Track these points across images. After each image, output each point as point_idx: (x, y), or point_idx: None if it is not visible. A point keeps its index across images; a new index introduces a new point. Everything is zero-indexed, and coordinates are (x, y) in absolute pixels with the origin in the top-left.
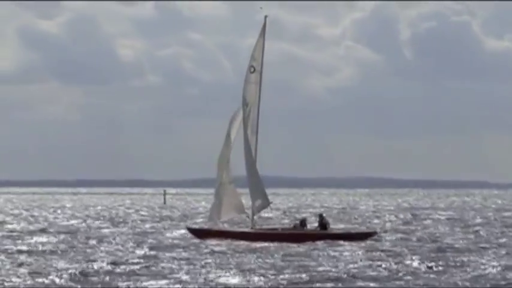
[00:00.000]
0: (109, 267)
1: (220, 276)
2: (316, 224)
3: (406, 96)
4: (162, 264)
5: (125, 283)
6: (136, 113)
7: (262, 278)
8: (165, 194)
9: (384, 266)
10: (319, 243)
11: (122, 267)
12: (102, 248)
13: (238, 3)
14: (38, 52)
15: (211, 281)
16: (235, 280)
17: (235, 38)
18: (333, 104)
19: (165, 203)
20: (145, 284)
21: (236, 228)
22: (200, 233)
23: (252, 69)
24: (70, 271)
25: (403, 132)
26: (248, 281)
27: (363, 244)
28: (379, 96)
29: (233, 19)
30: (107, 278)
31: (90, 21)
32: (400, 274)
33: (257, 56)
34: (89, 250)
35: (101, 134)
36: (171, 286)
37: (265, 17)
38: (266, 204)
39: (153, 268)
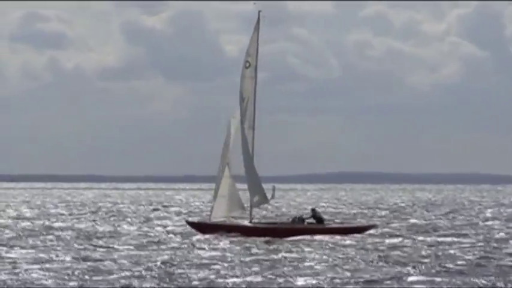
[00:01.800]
0: None
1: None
2: (311, 219)
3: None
4: None
5: None
6: None
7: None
8: (274, 189)
9: None
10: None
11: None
12: None
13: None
14: (143, 48)
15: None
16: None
17: (341, 34)
18: (437, 100)
19: (273, 197)
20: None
21: (235, 222)
22: (199, 227)
23: (248, 65)
24: None
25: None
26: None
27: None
28: (483, 93)
29: (338, 15)
30: None
31: (195, 17)
32: None
33: (252, 52)
34: None
35: (205, 131)
36: None
37: (259, 12)
38: (264, 201)
39: None
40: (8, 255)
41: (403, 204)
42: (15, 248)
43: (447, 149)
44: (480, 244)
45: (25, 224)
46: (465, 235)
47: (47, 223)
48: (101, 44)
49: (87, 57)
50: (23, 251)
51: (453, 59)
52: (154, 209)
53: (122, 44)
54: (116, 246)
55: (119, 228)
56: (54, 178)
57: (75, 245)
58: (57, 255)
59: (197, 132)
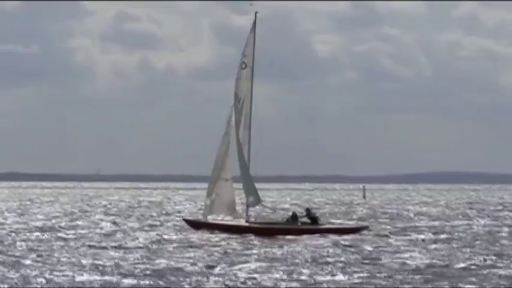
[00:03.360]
0: None
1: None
2: (305, 219)
3: None
4: None
5: None
6: (334, 109)
7: None
8: (364, 189)
9: None
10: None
11: None
12: None
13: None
14: (233, 48)
15: None
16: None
17: (432, 33)
18: None
19: (364, 198)
20: None
21: (231, 221)
22: (196, 225)
23: (244, 66)
24: None
25: None
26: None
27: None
28: None
29: (429, 15)
30: None
31: (285, 16)
32: None
33: (248, 53)
34: None
35: (298, 131)
36: None
37: (256, 13)
38: (258, 201)
39: None
40: None
41: None
42: None
43: None
44: None
45: None
46: None
47: None
48: (191, 43)
49: (178, 57)
50: None
51: None
52: None
53: (213, 43)
54: None
55: None
56: (146, 178)
57: None
58: None
59: (288, 131)
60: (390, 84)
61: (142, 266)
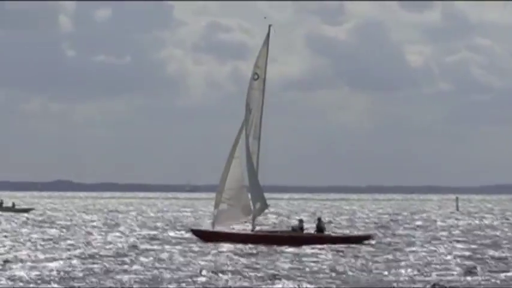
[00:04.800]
0: None
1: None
2: (314, 227)
3: None
4: None
5: None
6: (426, 120)
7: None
8: (457, 200)
9: None
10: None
11: None
12: None
13: None
14: (327, 58)
15: None
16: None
17: None
18: None
19: (457, 209)
20: None
21: (238, 231)
22: (204, 235)
23: (256, 77)
24: None
25: None
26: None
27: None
28: None
29: None
30: None
31: (377, 27)
32: None
33: (260, 64)
34: None
35: (391, 141)
36: None
37: (270, 26)
38: (264, 207)
39: None
40: None
41: None
42: None
43: None
44: None
45: None
46: None
47: None
48: (283, 53)
49: (270, 67)
50: None
51: None
52: None
53: (306, 54)
54: None
55: None
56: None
57: None
58: None
59: (382, 142)
60: (481, 95)
61: None
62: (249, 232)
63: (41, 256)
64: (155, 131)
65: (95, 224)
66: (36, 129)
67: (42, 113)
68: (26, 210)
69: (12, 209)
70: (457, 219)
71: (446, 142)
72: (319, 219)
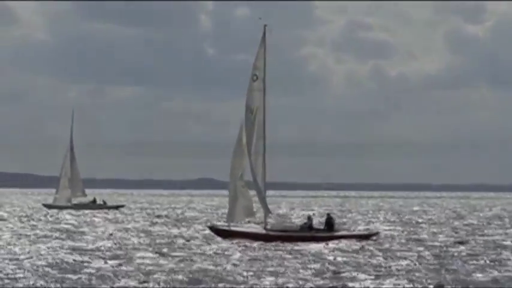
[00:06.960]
0: None
1: None
2: (323, 224)
3: None
4: None
5: None
6: None
7: None
8: None
9: None
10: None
11: None
12: None
13: None
14: (466, 56)
15: None
16: None
17: None
18: None
19: None
20: None
21: (252, 229)
22: (222, 233)
23: (255, 78)
24: None
25: None
26: None
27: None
28: None
29: None
30: None
31: None
32: None
33: (259, 65)
34: None
35: None
36: None
37: (265, 26)
38: (268, 212)
39: None
40: None
41: None
42: None
43: None
44: None
45: None
46: None
47: None
48: (424, 52)
49: (411, 65)
50: None
51: None
52: None
53: (446, 52)
54: None
55: None
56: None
57: None
58: None
59: None
60: None
61: None
62: (262, 231)
63: None
64: (296, 129)
65: None
66: (177, 128)
67: (184, 112)
68: (117, 207)
69: (104, 206)
70: None
71: None
72: (328, 215)
